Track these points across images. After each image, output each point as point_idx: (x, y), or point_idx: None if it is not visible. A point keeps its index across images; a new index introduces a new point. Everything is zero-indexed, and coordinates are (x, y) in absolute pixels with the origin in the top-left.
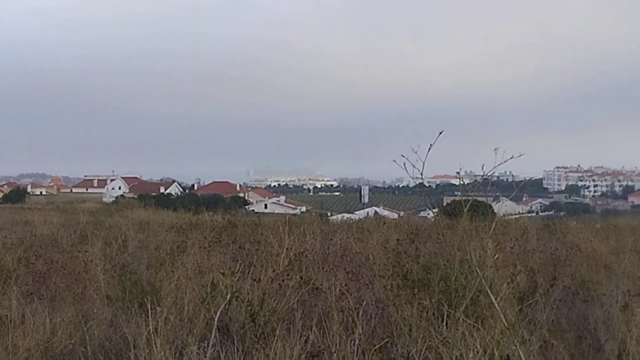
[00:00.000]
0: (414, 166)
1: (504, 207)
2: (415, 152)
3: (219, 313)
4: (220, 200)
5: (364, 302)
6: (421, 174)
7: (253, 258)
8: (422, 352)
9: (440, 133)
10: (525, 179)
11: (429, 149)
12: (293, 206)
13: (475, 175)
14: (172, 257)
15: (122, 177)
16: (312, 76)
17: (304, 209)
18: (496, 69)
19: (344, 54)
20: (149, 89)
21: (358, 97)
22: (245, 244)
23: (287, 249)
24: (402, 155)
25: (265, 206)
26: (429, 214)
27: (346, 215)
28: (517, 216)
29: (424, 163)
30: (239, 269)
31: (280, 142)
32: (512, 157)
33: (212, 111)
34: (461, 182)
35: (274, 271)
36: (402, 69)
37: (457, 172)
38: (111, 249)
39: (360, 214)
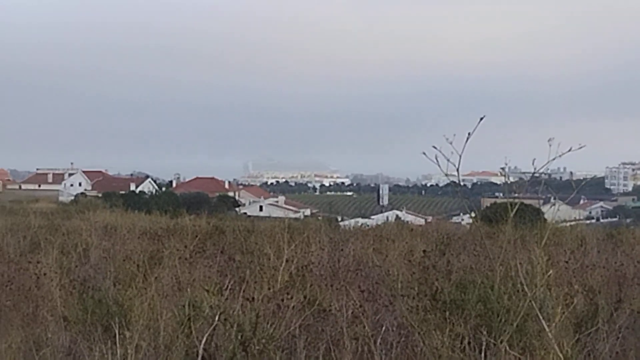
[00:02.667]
0: (448, 160)
1: (556, 211)
2: (450, 143)
3: (203, 340)
4: (205, 201)
5: (383, 328)
6: (457, 170)
7: (245, 272)
8: None
9: (481, 119)
10: (583, 178)
11: (467, 139)
12: (295, 208)
13: (522, 173)
14: (144, 271)
15: (83, 172)
16: (323, 57)
17: (308, 212)
18: (537, 47)
19: (359, 31)
20: (118, 68)
21: (376, 80)
22: (235, 255)
23: (287, 261)
24: (434, 147)
25: (261, 208)
26: (463, 219)
27: (361, 221)
28: (573, 223)
29: (460, 156)
30: (227, 286)
31: (285, 132)
32: (570, 150)
33: (198, 96)
34: (505, 181)
35: (270, 288)
36: (425, 47)
37: (502, 169)
38: (69, 260)
39: (378, 218)
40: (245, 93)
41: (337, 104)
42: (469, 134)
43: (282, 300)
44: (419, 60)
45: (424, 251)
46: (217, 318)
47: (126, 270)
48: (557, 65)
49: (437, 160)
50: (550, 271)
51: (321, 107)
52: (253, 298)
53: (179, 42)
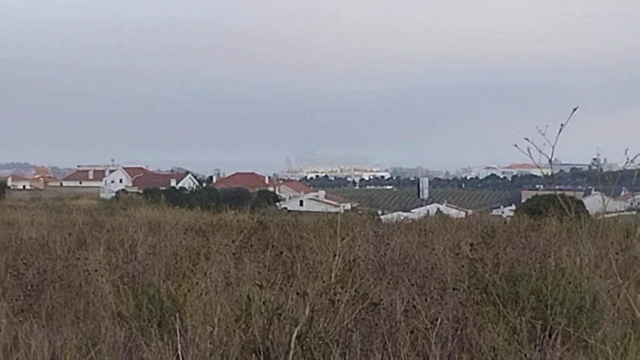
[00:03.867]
0: (540, 151)
1: (597, 203)
2: (543, 135)
3: (258, 334)
4: (245, 196)
5: (438, 321)
6: (550, 161)
7: (293, 267)
8: None
9: (575, 110)
10: (624, 168)
11: (560, 130)
12: (335, 203)
13: (562, 164)
14: (193, 266)
15: (124, 168)
16: (359, 53)
17: (348, 206)
18: (572, 38)
19: (395, 27)
20: (154, 67)
21: (413, 74)
22: (281, 250)
23: (337, 255)
24: (526, 139)
25: (301, 203)
26: (503, 212)
27: (402, 214)
28: (615, 214)
29: (553, 147)
30: (278, 281)
31: (326, 127)
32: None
33: (237, 92)
34: (545, 173)
35: (323, 282)
36: (461, 41)
37: (594, 159)
38: (116, 256)
39: (418, 212)
40: (283, 89)
41: (375, 99)
42: (562, 124)
43: (335, 294)
44: (455, 54)
45: (471, 244)
46: (271, 313)
47: (175, 266)
48: (592, 55)
49: (530, 153)
50: (601, 263)
51: (360, 103)
52: (306, 293)
53: (217, 39)
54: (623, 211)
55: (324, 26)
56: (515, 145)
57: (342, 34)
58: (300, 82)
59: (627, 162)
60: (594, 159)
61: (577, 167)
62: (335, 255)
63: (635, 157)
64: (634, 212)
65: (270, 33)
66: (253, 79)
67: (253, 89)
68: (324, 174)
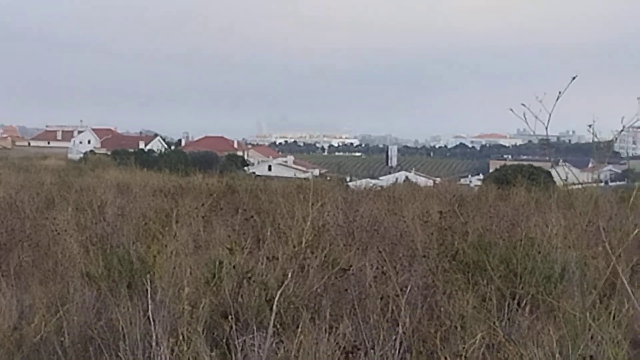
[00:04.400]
0: (536, 117)
1: (564, 174)
2: (540, 102)
3: (228, 297)
4: (214, 160)
5: (408, 288)
6: (546, 128)
7: (263, 231)
8: (481, 351)
9: (574, 78)
10: (591, 141)
11: (558, 98)
12: (303, 169)
13: (530, 135)
14: (162, 228)
15: (93, 129)
16: (333, 24)
17: (316, 172)
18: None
19: None
20: (125, 20)
21: (383, 37)
22: (250, 214)
23: (304, 220)
24: (523, 104)
25: (269, 168)
26: (471, 181)
27: (370, 181)
28: (582, 186)
29: (550, 115)
30: (248, 245)
31: (296, 92)
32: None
33: (207, 53)
34: (526, 141)
35: (294, 247)
36: (432, 6)
37: (589, 126)
38: (85, 217)
39: (387, 179)
40: (256, 53)
41: (346, 64)
42: (559, 92)
43: (305, 259)
44: (427, 19)
45: (440, 212)
46: (241, 276)
47: (144, 227)
48: (565, 28)
49: (525, 118)
50: (571, 233)
51: (332, 71)
52: (276, 257)
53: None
54: (590, 182)
55: None
56: (511, 110)
57: (319, 3)
58: (273, 47)
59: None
60: (589, 125)
61: (545, 137)
62: (305, 221)
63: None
64: (601, 184)
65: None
66: (225, 42)
67: (225, 52)
68: (293, 140)
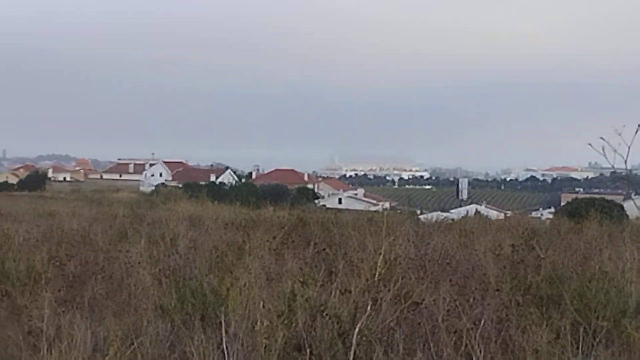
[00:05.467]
0: (615, 151)
1: (638, 207)
2: (620, 134)
3: (302, 330)
4: (284, 193)
5: (482, 322)
6: (625, 162)
7: (335, 264)
8: None
9: None
10: None
11: (638, 130)
12: (374, 201)
13: (602, 168)
14: (235, 261)
15: (164, 162)
16: (401, 51)
17: (387, 205)
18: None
19: (436, 25)
20: (195, 60)
21: (453, 72)
22: (322, 247)
23: (380, 253)
24: (602, 138)
25: (340, 201)
26: (542, 214)
27: (441, 214)
28: None
29: (629, 147)
30: (320, 278)
31: (367, 125)
32: None
33: (276, 89)
34: (587, 176)
35: (366, 280)
36: (499, 41)
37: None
38: (157, 249)
39: (457, 212)
40: (324, 87)
41: (414, 98)
42: (639, 125)
43: (378, 293)
44: (494, 54)
45: (513, 245)
46: (314, 309)
47: (216, 260)
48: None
49: (604, 152)
50: None
51: (398, 102)
52: (349, 290)
53: (256, 37)
54: None
55: (356, 26)
56: (590, 145)
57: (373, 34)
58: (332, 80)
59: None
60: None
61: (617, 170)
62: (377, 254)
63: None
64: None
65: (306, 32)
66: (293, 76)
67: (294, 86)
68: (363, 173)
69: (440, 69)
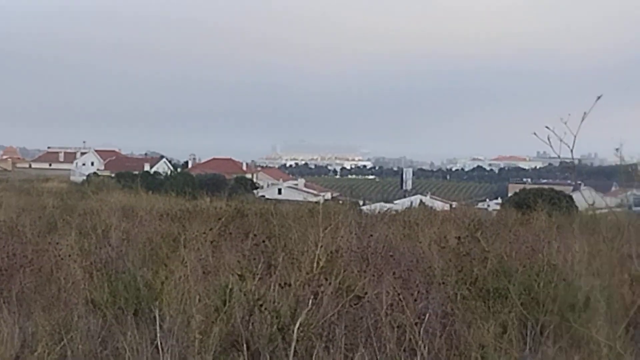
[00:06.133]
0: (561, 140)
1: (587, 198)
2: (565, 123)
3: (239, 325)
4: (222, 183)
5: (426, 316)
6: (571, 151)
7: (275, 257)
8: None
9: (599, 98)
10: (615, 164)
11: (583, 119)
12: (315, 192)
13: (550, 158)
14: (170, 253)
15: (96, 151)
16: (346, 33)
17: (328, 195)
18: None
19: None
20: (132, 41)
21: (399, 59)
22: (261, 239)
23: (321, 245)
24: (547, 127)
25: (279, 191)
26: (489, 205)
27: (384, 205)
28: (605, 210)
29: (575, 136)
30: (259, 271)
31: (309, 113)
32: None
33: (215, 73)
34: (540, 165)
35: (306, 274)
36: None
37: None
38: (89, 241)
39: (401, 203)
40: (266, 70)
41: (360, 85)
42: (585, 113)
43: (319, 286)
44: (444, 41)
45: (458, 237)
46: (252, 304)
47: (151, 252)
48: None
49: (549, 141)
50: (595, 260)
51: (342, 87)
52: (288, 284)
53: (198, 14)
54: (613, 207)
55: (313, 24)
56: (535, 134)
57: (334, 34)
58: (286, 69)
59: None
60: (617, 149)
61: (566, 160)
62: (317, 246)
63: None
64: (625, 209)
65: (260, 30)
66: (236, 62)
67: (237, 71)
68: (304, 162)
69: (386, 55)
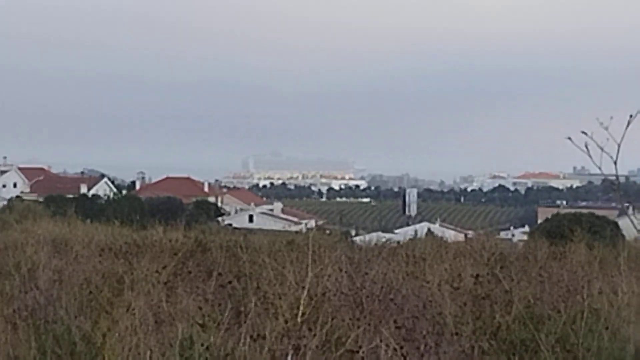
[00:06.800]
0: (602, 149)
1: (636, 225)
2: (606, 129)
3: None
4: (178, 208)
5: None
6: (615, 163)
7: (245, 301)
8: None
9: None
10: None
11: (629, 123)
12: (295, 219)
13: (591, 175)
14: (113, 298)
15: (20, 169)
16: (332, 27)
17: (312, 223)
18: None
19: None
20: (68, 36)
21: (399, 56)
22: (226, 279)
23: (303, 287)
24: (583, 132)
25: (251, 218)
26: (514, 234)
27: (383, 235)
28: None
29: (619, 145)
30: (225, 319)
31: (287, 120)
32: None
33: (171, 73)
34: (574, 183)
35: (285, 322)
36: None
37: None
38: (11, 284)
39: (404, 233)
40: (233, 69)
41: (352, 87)
42: (630, 116)
43: (300, 338)
44: (451, 51)
45: (476, 276)
46: None
47: (89, 297)
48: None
49: (588, 150)
50: None
51: (329, 89)
52: (263, 336)
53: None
54: None
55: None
56: (569, 139)
57: (318, 30)
58: (259, 69)
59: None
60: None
61: (609, 177)
62: (299, 287)
63: None
64: None
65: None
66: (198, 59)
67: (199, 70)
68: (281, 182)
69: (384, 52)
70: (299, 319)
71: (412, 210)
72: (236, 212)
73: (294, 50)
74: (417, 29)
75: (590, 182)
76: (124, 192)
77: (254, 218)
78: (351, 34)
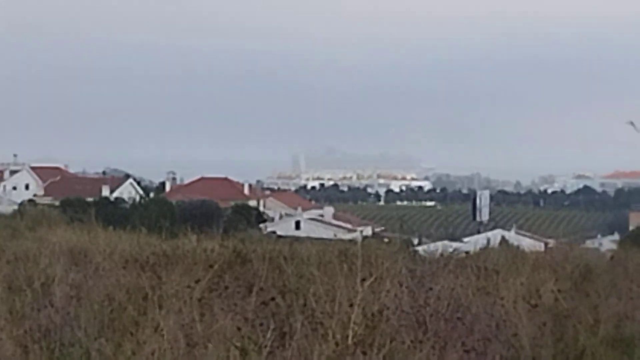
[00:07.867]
0: None
1: None
2: None
3: None
4: (214, 213)
5: None
6: None
7: (290, 321)
8: None
9: None
10: None
11: None
12: (349, 226)
13: None
14: (139, 317)
15: (32, 168)
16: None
17: (368, 230)
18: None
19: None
20: (90, 29)
21: (471, 41)
22: (271, 295)
23: (357, 304)
24: None
25: (297, 225)
26: (601, 243)
27: (450, 245)
28: None
29: None
30: (267, 342)
31: (341, 112)
32: None
33: (206, 65)
34: None
35: (336, 345)
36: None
37: None
38: (22, 300)
39: (474, 241)
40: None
41: (409, 74)
42: None
43: None
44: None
45: (558, 291)
46: None
47: (111, 316)
48: None
49: None
50: None
51: (388, 79)
52: None
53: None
54: None
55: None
56: (631, 123)
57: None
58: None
59: None
60: None
61: None
62: (352, 305)
63: None
64: None
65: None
66: (234, 46)
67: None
68: (332, 182)
69: (454, 37)
70: (351, 341)
71: (484, 215)
72: (280, 217)
73: (345, 41)
74: (489, 15)
75: None
76: (151, 194)
77: (301, 225)
78: (418, 23)
